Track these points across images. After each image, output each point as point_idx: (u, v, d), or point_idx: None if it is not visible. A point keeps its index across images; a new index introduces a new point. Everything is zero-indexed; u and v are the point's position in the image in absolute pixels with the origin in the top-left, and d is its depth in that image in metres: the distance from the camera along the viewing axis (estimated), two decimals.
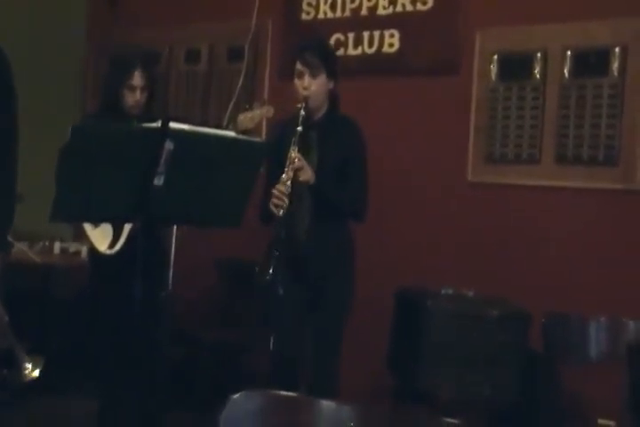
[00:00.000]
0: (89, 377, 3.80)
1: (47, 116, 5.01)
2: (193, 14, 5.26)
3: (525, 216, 4.09)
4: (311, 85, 3.40)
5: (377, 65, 4.56)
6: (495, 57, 4.18)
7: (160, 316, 3.17)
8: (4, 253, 2.85)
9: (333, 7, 4.71)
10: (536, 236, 4.05)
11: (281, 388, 1.95)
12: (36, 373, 2.94)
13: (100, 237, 3.53)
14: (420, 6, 4.41)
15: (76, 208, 2.57)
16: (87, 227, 3.57)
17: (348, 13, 4.66)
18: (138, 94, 3.60)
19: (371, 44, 4.57)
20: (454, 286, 3.83)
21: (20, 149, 2.83)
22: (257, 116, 3.45)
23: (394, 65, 4.51)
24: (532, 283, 3.97)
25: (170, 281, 3.06)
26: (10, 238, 2.98)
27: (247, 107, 3.54)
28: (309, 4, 4.80)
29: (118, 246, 3.45)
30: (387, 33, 4.52)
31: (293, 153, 3.29)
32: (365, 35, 4.58)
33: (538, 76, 4.05)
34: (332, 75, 3.46)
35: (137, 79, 3.59)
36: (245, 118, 3.44)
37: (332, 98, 3.51)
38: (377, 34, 4.55)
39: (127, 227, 3.39)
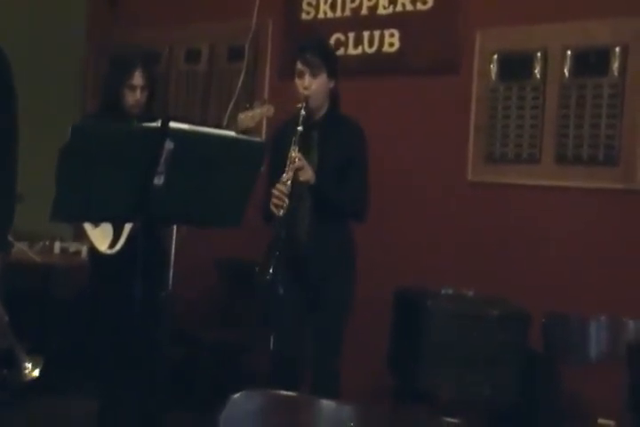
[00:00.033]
0: (89, 377, 3.80)
1: (47, 116, 5.01)
2: (193, 14, 5.27)
3: (525, 216, 4.09)
4: (312, 85, 3.39)
5: (377, 65, 4.56)
6: (495, 57, 4.17)
7: (160, 316, 3.16)
8: (3, 253, 2.85)
9: (333, 7, 4.71)
10: (536, 236, 4.05)
11: (281, 388, 1.94)
12: (36, 373, 2.93)
13: (101, 237, 3.53)
14: (420, 6, 4.41)
15: (76, 208, 2.57)
16: (87, 227, 3.57)
17: (348, 13, 4.66)
18: (138, 94, 3.60)
19: (371, 44, 4.57)
20: (454, 286, 3.83)
21: (20, 149, 2.83)
22: (257, 116, 3.45)
23: (394, 65, 4.51)
24: (532, 283, 3.97)
25: (170, 281, 3.06)
26: (10, 238, 2.98)
27: (247, 106, 3.53)
28: (309, 4, 4.80)
29: (118, 246, 3.45)
30: (387, 33, 4.51)
31: (294, 153, 3.29)
32: (365, 34, 4.58)
33: (538, 75, 4.05)
34: (332, 74, 3.46)
35: (137, 79, 3.59)
36: (246, 117, 3.43)
37: (333, 97, 3.51)
38: (377, 33, 4.54)
39: (127, 227, 3.39)
